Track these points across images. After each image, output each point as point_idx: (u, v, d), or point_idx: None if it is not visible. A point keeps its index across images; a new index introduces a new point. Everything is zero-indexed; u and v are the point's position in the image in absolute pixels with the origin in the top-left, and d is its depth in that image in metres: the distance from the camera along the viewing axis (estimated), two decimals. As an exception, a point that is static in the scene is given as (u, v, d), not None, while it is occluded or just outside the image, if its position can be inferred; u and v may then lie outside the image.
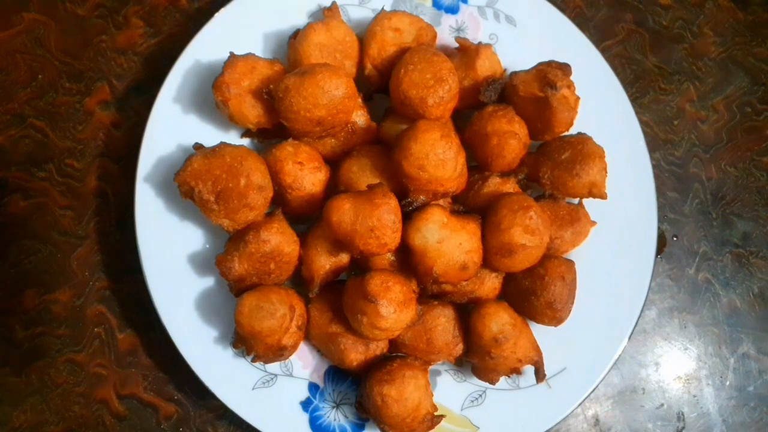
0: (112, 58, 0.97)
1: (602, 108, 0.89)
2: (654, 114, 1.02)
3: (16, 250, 0.92)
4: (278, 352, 0.78)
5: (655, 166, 0.98)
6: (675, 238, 0.99)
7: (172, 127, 0.85)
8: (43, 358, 0.90)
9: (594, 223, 0.85)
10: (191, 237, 0.85)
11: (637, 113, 0.89)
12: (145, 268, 0.82)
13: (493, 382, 0.82)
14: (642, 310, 0.86)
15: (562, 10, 0.92)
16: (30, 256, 0.92)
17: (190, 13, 0.99)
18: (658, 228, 0.89)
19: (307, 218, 0.84)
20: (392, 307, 0.74)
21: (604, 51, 0.98)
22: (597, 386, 0.84)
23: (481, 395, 0.85)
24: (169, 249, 0.83)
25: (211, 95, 0.81)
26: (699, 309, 0.98)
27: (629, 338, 0.85)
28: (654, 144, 1.00)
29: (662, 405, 0.95)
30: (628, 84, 1.01)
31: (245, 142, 0.87)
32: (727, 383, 0.96)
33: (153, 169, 0.84)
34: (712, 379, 0.96)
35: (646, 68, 1.02)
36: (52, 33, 0.97)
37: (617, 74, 0.90)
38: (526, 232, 0.76)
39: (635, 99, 1.01)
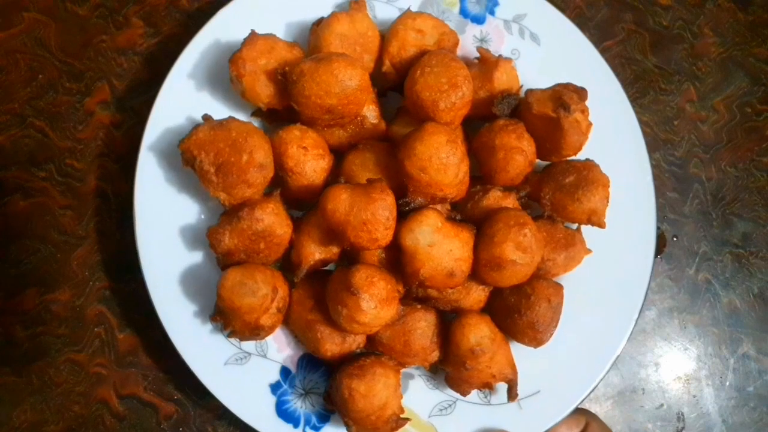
0: (112, 58, 0.97)
1: (602, 108, 0.88)
2: (654, 114, 1.02)
3: (16, 250, 0.92)
4: (255, 331, 0.78)
5: (655, 167, 0.98)
6: (675, 239, 0.99)
7: (182, 99, 0.85)
8: (43, 358, 0.90)
9: (589, 251, 0.84)
10: (187, 210, 0.85)
11: (637, 113, 0.89)
12: (138, 234, 0.82)
13: (464, 393, 0.82)
14: (641, 311, 0.86)
15: (562, 10, 0.92)
16: (30, 256, 0.92)
17: (190, 13, 0.99)
18: (658, 228, 0.89)
19: (304, 205, 0.84)
20: (373, 303, 0.74)
21: (604, 51, 0.98)
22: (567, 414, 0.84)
23: (450, 405, 0.84)
24: (164, 218, 0.84)
25: (226, 74, 0.81)
26: (699, 309, 0.98)
27: (629, 339, 0.85)
28: (654, 144, 1.00)
29: (662, 405, 0.95)
30: (628, 84, 1.01)
31: (254, 122, 0.87)
32: (727, 383, 0.96)
33: (158, 139, 0.84)
34: (712, 379, 0.96)
35: (646, 68, 1.02)
36: (52, 33, 0.97)
37: (617, 74, 0.90)
38: (518, 249, 0.76)
39: (635, 99, 1.01)
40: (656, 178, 0.89)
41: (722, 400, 0.96)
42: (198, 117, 0.83)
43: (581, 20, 1.01)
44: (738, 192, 1.01)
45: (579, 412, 0.86)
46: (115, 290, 0.92)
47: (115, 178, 0.94)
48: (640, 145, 0.88)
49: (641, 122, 0.90)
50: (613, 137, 0.88)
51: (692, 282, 0.98)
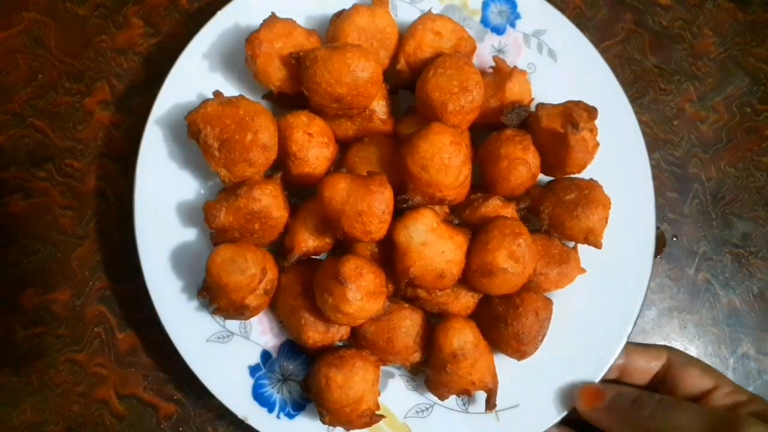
0: (112, 58, 0.97)
1: (601, 108, 0.88)
2: (654, 114, 1.02)
3: (16, 249, 0.92)
4: (239, 310, 0.78)
5: (655, 167, 0.98)
6: (674, 239, 0.99)
7: (195, 77, 0.86)
8: (43, 358, 0.90)
9: (583, 270, 0.84)
10: (187, 187, 0.85)
11: (636, 113, 0.89)
12: (137, 204, 0.83)
13: (442, 398, 0.81)
14: (640, 312, 0.85)
15: (562, 10, 0.92)
16: (30, 256, 0.92)
17: (190, 13, 0.99)
18: (658, 228, 0.89)
19: (304, 192, 0.84)
20: (360, 294, 0.74)
21: (603, 51, 0.98)
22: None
23: (428, 408, 0.84)
24: (163, 192, 0.84)
25: (241, 56, 0.82)
26: (698, 309, 0.98)
27: (628, 339, 0.85)
28: (654, 144, 1.00)
29: (662, 405, 0.95)
30: (627, 84, 1.01)
31: (264, 104, 0.86)
32: (727, 383, 0.97)
33: (166, 113, 0.84)
34: (712, 379, 0.97)
35: (646, 68, 1.03)
36: (52, 33, 0.97)
37: (617, 74, 0.90)
38: (511, 258, 0.76)
39: (635, 99, 1.01)
40: (656, 178, 0.89)
41: (722, 399, 0.96)
42: (208, 96, 0.83)
43: (581, 20, 1.01)
44: (738, 192, 1.01)
45: (658, 346, 0.85)
46: (115, 290, 0.92)
47: (115, 178, 0.94)
48: (639, 145, 0.88)
49: (641, 122, 0.90)
50: (613, 137, 0.88)
51: (692, 282, 0.98)
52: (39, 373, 0.90)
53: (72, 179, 0.94)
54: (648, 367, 0.83)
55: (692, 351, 0.97)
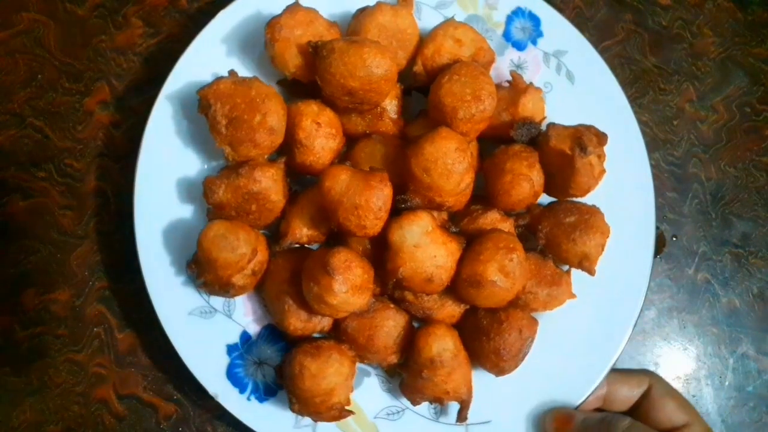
0: (111, 58, 0.97)
1: (601, 108, 0.88)
2: (653, 114, 1.02)
3: (15, 250, 0.92)
4: (225, 287, 0.79)
5: (655, 167, 0.98)
6: (674, 238, 0.99)
7: (210, 58, 0.86)
8: (43, 358, 0.90)
9: (574, 296, 0.84)
10: (190, 164, 0.86)
11: (636, 113, 0.89)
12: (138, 174, 0.83)
13: (415, 403, 0.81)
14: (640, 312, 0.85)
15: (562, 10, 0.92)
16: (29, 256, 0.92)
17: (189, 13, 0.99)
18: (657, 228, 0.89)
19: (306, 182, 0.85)
20: (345, 287, 0.74)
21: (603, 51, 0.98)
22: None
23: (399, 412, 0.84)
24: (167, 165, 0.85)
25: (259, 42, 0.82)
26: (698, 309, 0.98)
27: (628, 340, 0.85)
28: (653, 144, 1.00)
29: (661, 405, 0.95)
30: (627, 84, 1.01)
31: (278, 90, 0.87)
32: (726, 383, 0.96)
33: (177, 91, 0.85)
34: (711, 379, 0.96)
35: (646, 68, 1.03)
36: (52, 33, 0.97)
37: (616, 74, 0.90)
38: (501, 272, 0.76)
39: (634, 99, 1.01)
40: (655, 177, 0.89)
41: (721, 399, 0.96)
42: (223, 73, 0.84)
43: (580, 20, 1.01)
44: (737, 192, 1.01)
45: (640, 372, 0.85)
46: (115, 290, 0.92)
47: (115, 178, 0.94)
48: (639, 145, 0.88)
49: (640, 122, 0.90)
50: (613, 137, 0.87)
51: (692, 282, 0.98)
52: (39, 373, 0.90)
53: (72, 179, 0.94)
54: (630, 395, 0.83)
55: (692, 351, 0.97)
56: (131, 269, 0.85)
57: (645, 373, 0.86)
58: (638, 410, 0.82)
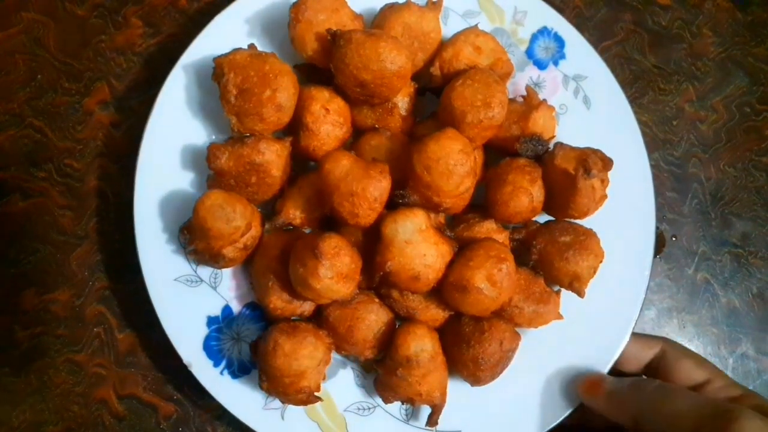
0: (111, 58, 0.97)
1: (613, 138, 0.88)
2: (653, 114, 1.02)
3: (15, 250, 0.92)
4: (215, 258, 0.79)
5: (654, 167, 0.98)
6: (674, 238, 0.99)
7: (231, 35, 0.87)
8: (43, 358, 0.90)
9: (561, 317, 0.83)
10: (196, 133, 0.86)
11: (636, 113, 0.89)
12: (145, 138, 0.84)
13: (387, 401, 0.81)
14: (640, 312, 0.85)
15: (561, 10, 0.92)
16: (29, 256, 0.92)
17: (189, 13, 0.99)
18: (657, 228, 0.89)
19: (308, 168, 0.85)
20: (331, 273, 0.73)
21: (603, 51, 0.98)
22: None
23: (370, 409, 0.84)
24: (173, 133, 0.85)
25: (281, 25, 0.84)
26: (698, 309, 0.98)
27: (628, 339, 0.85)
28: (653, 144, 1.00)
29: (661, 405, 0.95)
30: (627, 84, 1.01)
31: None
32: (726, 383, 0.97)
33: (193, 62, 0.86)
34: (711, 379, 0.97)
35: (645, 68, 1.03)
36: (52, 33, 0.97)
37: (616, 75, 0.90)
38: (488, 280, 0.75)
39: (634, 99, 1.01)
40: (655, 178, 0.89)
41: (721, 399, 0.96)
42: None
43: (580, 20, 1.01)
44: (737, 192, 1.01)
45: (655, 337, 0.84)
46: (114, 290, 0.92)
47: (115, 178, 0.94)
48: (639, 145, 0.88)
49: (640, 122, 0.90)
50: (613, 136, 0.88)
51: (691, 282, 0.98)
52: (39, 373, 0.90)
53: (71, 179, 0.94)
54: (641, 354, 0.83)
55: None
56: (131, 269, 0.85)
57: (660, 338, 0.85)
58: (656, 373, 0.82)
